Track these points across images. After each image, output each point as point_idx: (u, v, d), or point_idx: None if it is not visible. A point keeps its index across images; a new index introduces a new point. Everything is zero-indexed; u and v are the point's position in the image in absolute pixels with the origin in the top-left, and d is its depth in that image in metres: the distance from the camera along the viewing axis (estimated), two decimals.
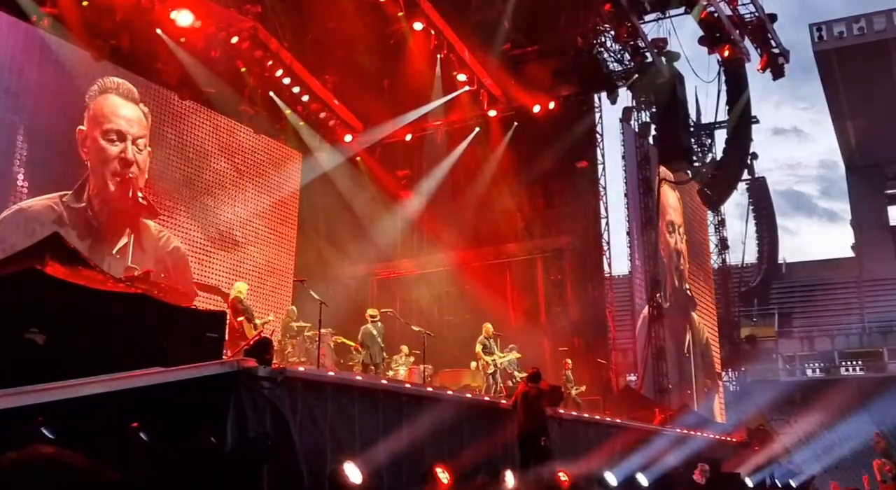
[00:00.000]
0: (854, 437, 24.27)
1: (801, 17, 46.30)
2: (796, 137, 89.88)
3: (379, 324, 15.34)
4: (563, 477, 10.47)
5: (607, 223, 21.62)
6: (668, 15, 21.22)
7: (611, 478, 12.33)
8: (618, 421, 15.61)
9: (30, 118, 15.61)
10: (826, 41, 36.57)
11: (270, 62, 18.84)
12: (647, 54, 20.50)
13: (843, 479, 20.20)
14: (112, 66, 16.95)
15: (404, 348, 16.50)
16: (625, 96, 22.26)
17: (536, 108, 20.88)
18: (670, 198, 25.09)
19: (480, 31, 20.51)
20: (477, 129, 21.82)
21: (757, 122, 26.39)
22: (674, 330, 23.53)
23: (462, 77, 20.36)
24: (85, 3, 15.82)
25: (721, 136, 26.79)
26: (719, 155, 26.44)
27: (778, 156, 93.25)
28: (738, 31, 21.28)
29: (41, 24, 15.57)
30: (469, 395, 12.73)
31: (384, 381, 10.97)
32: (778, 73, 22.15)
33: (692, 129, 26.29)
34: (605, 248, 21.47)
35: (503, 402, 12.20)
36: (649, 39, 20.72)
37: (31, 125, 15.59)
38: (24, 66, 15.52)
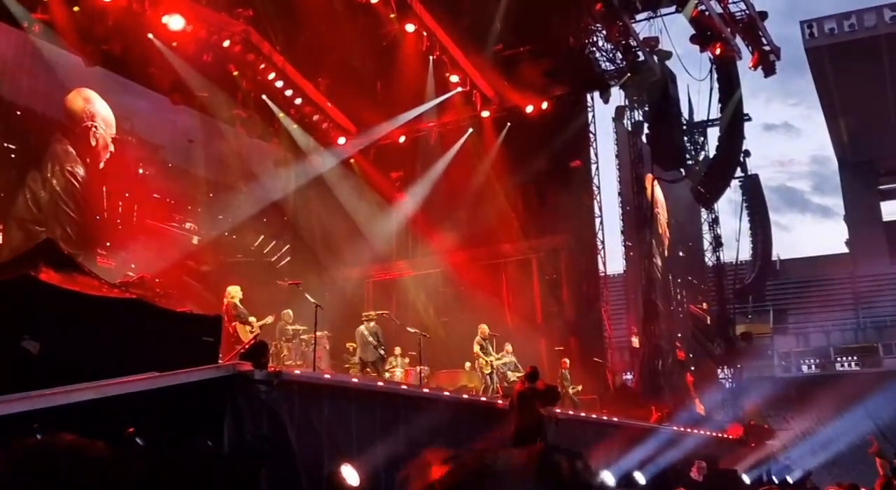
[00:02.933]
0: (850, 432, 24.29)
1: (789, 12, 46.36)
2: (787, 133, 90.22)
3: (371, 324, 15.73)
4: None
5: (601, 222, 21.71)
6: (659, 14, 21.28)
7: (608, 476, 12.35)
8: (615, 419, 15.65)
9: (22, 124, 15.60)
10: (817, 38, 36.69)
11: (263, 65, 18.85)
12: (639, 53, 20.55)
13: (839, 475, 20.22)
14: (104, 72, 16.91)
15: (397, 349, 16.57)
16: (617, 95, 22.39)
17: (529, 109, 20.91)
18: (660, 196, 25.22)
19: (472, 32, 20.49)
20: (470, 129, 21.84)
21: (749, 119, 26.47)
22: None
23: (455, 78, 20.38)
24: (76, 9, 15.78)
25: (714, 134, 26.88)
26: (712, 153, 26.48)
27: (769, 152, 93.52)
28: (729, 29, 21.34)
29: (32, 31, 15.54)
30: (466, 396, 12.75)
31: (380, 383, 10.98)
32: (769, 71, 22.24)
33: (685, 128, 26.33)
34: (600, 247, 21.54)
35: (500, 402, 12.20)
36: (641, 38, 20.77)
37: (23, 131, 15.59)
38: (15, 73, 15.49)
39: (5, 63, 15.39)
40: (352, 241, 21.51)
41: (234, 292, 13.53)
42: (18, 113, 15.58)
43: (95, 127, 16.95)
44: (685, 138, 26.16)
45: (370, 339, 15.57)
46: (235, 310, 13.08)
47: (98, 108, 17.08)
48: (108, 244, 16.70)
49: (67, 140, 16.39)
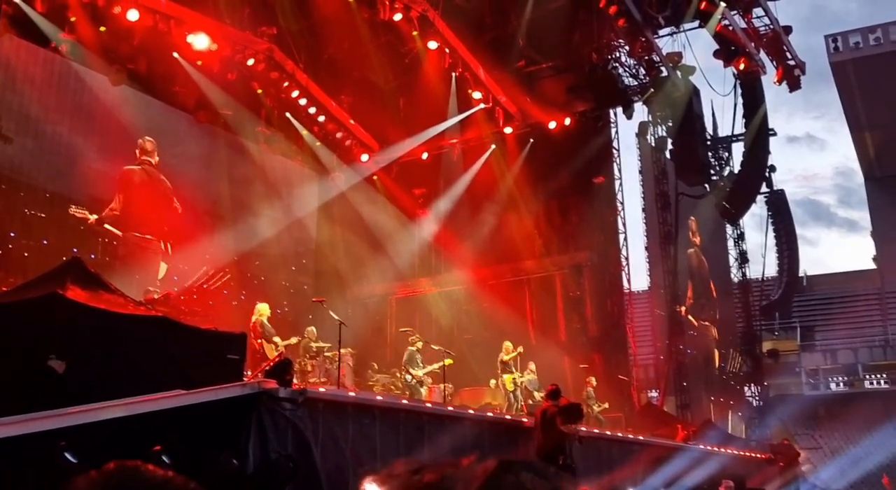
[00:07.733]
0: (880, 450, 23.93)
1: (812, 23, 46.08)
2: (810, 145, 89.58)
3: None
4: None
5: (625, 238, 21.66)
6: (682, 29, 21.19)
7: None
8: (640, 438, 15.49)
9: (49, 143, 15.77)
10: (842, 52, 36.44)
11: (286, 83, 18.97)
12: (662, 69, 20.47)
13: None
14: (130, 90, 17.09)
15: None
16: (640, 111, 22.26)
17: (552, 125, 20.90)
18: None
19: (495, 48, 20.55)
20: (493, 146, 21.82)
21: (774, 134, 26.27)
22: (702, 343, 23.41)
23: (477, 95, 20.38)
24: (103, 29, 15.98)
25: (738, 149, 26.69)
26: (737, 168, 26.31)
27: (792, 165, 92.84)
28: (753, 44, 21.22)
29: (60, 50, 15.75)
30: (490, 414, 12.67)
31: (405, 401, 10.94)
32: (794, 85, 22.05)
33: (709, 143, 26.18)
34: (624, 263, 21.44)
35: (525, 420, 12.12)
36: (664, 54, 20.70)
37: (49, 149, 15.76)
38: (43, 91, 15.68)
39: (34, 81, 15.58)
40: (375, 258, 21.53)
41: (263, 310, 13.58)
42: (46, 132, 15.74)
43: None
44: (709, 154, 25.98)
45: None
46: (262, 328, 13.12)
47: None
48: None
49: None
